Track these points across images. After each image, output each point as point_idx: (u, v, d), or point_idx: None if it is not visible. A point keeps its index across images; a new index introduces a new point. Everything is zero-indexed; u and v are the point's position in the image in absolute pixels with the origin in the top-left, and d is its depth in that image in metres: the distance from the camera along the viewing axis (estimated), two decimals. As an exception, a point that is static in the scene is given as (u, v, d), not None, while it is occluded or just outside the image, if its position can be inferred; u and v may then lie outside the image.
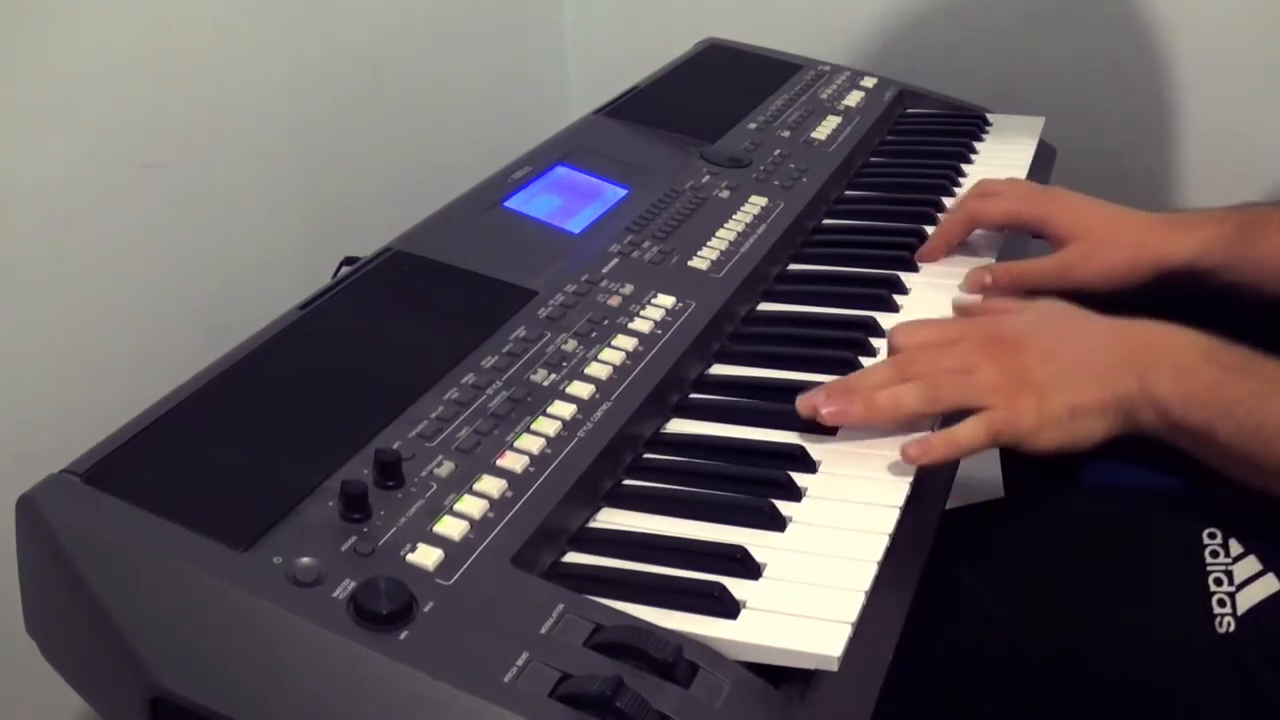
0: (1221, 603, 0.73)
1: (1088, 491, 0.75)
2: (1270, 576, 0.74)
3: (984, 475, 0.98)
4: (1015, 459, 1.11)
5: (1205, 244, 0.92)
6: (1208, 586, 0.74)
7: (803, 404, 0.76)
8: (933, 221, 1.05)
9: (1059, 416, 0.74)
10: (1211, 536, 0.76)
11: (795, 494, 0.72)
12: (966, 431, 0.75)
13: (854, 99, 1.24)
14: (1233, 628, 0.73)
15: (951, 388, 0.76)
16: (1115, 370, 0.74)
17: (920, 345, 0.79)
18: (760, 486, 0.72)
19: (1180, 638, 0.74)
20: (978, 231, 1.02)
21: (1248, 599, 0.73)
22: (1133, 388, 0.74)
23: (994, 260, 0.99)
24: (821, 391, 0.77)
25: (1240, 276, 0.92)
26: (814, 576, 0.65)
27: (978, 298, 0.91)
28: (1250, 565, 0.74)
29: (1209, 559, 0.75)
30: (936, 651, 0.79)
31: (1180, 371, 0.73)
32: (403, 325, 0.80)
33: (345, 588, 0.59)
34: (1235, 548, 0.75)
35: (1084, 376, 0.75)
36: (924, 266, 0.98)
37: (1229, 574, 0.74)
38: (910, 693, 0.77)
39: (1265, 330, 0.93)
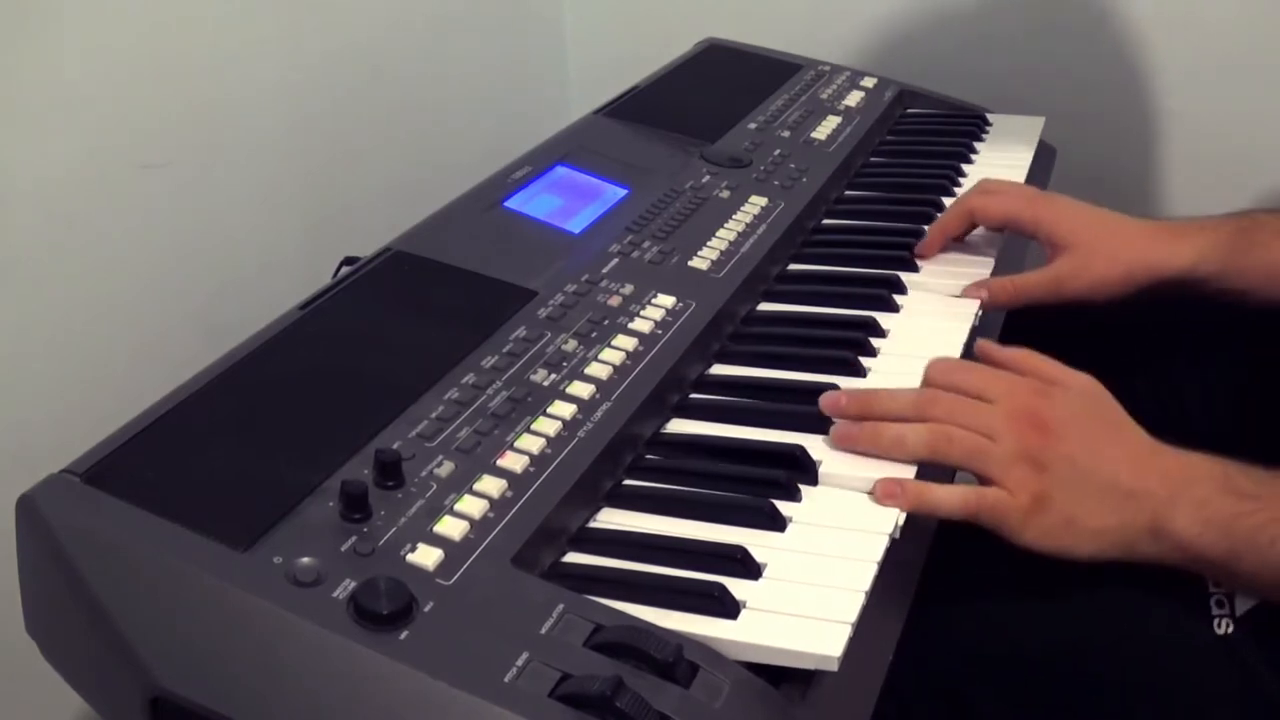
0: (1220, 604, 0.73)
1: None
2: None
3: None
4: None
5: (1201, 252, 0.92)
6: (1206, 588, 0.74)
7: (826, 404, 0.76)
8: (933, 222, 1.05)
9: (1053, 524, 0.71)
10: None
11: (795, 494, 0.72)
12: (946, 496, 0.71)
13: (854, 99, 1.24)
14: (1231, 629, 0.73)
15: (962, 446, 0.73)
16: (1130, 499, 0.71)
17: (952, 386, 0.76)
18: (760, 486, 0.72)
19: (1179, 639, 0.74)
20: (979, 231, 1.02)
21: (1246, 600, 0.73)
22: (1143, 521, 0.71)
23: (994, 259, 0.99)
24: (843, 397, 0.76)
25: (1236, 283, 0.92)
26: (814, 577, 0.65)
27: (1014, 351, 0.81)
28: None
29: None
30: (936, 651, 0.79)
31: (1198, 506, 0.71)
32: (403, 325, 0.80)
33: (345, 588, 0.59)
34: None
35: (1096, 495, 0.72)
36: (924, 266, 0.98)
37: None
38: (910, 693, 0.77)
39: (1262, 337, 0.93)
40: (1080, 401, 0.76)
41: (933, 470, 0.74)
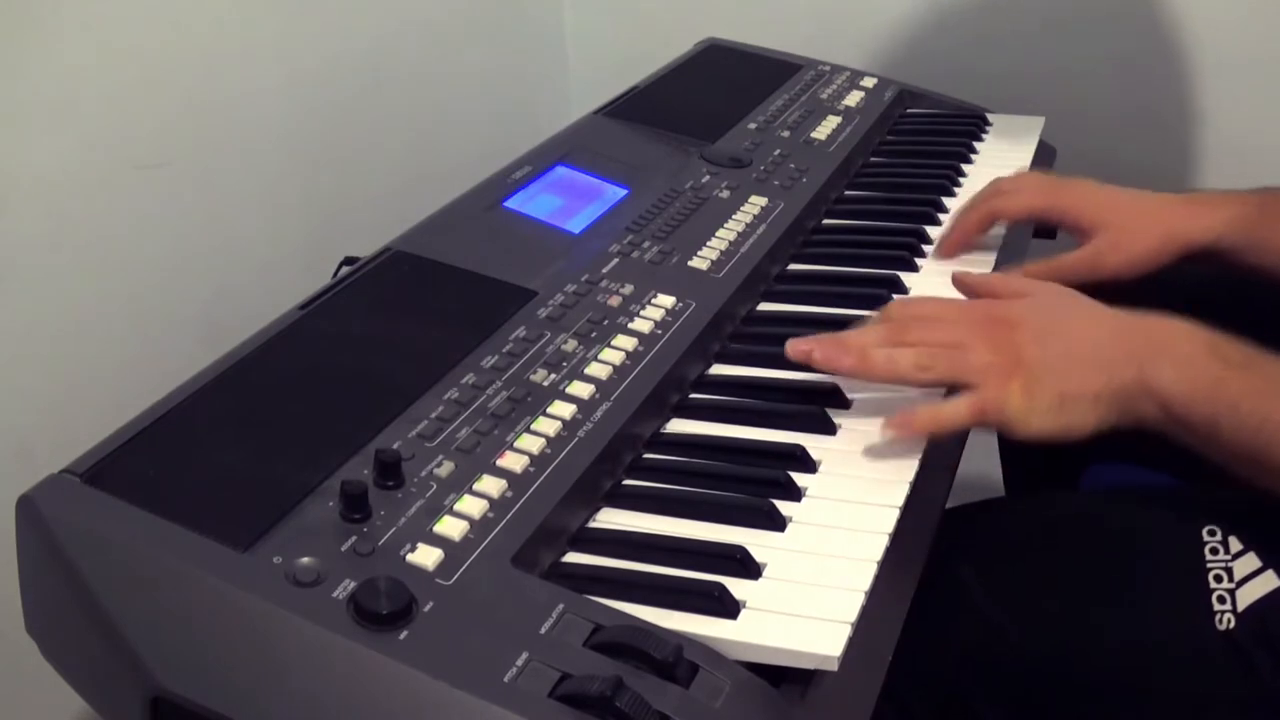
0: (1222, 600, 0.73)
1: (1086, 491, 0.75)
2: (1270, 573, 0.73)
3: (985, 476, 0.98)
4: (1016, 459, 1.12)
5: (1228, 223, 0.92)
6: (1208, 584, 0.74)
7: (793, 348, 0.77)
8: (933, 221, 1.05)
9: (1048, 403, 0.73)
10: (1211, 534, 0.76)
11: (795, 494, 0.72)
12: (951, 408, 0.74)
13: (854, 99, 1.24)
14: (1233, 625, 0.73)
15: (943, 361, 0.75)
16: (1113, 361, 0.74)
17: (915, 317, 0.79)
18: (760, 486, 0.72)
19: (1181, 635, 0.74)
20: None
21: (1248, 596, 0.73)
22: (1131, 379, 0.73)
23: (995, 256, 0.99)
24: (813, 339, 0.77)
25: (1261, 259, 0.92)
26: (814, 576, 0.65)
27: (981, 274, 0.88)
28: (1250, 562, 0.74)
29: (1209, 556, 0.75)
30: (936, 653, 0.79)
31: (1183, 365, 0.72)
32: (403, 325, 0.80)
33: (345, 588, 0.59)
34: (1235, 544, 0.75)
35: (1078, 364, 0.74)
36: (924, 265, 0.98)
37: (1229, 571, 0.74)
38: (910, 694, 0.77)
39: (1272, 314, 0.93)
40: (1037, 295, 0.80)
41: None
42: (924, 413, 0.74)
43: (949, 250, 0.99)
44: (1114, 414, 0.74)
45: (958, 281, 0.86)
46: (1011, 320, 0.77)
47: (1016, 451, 1.09)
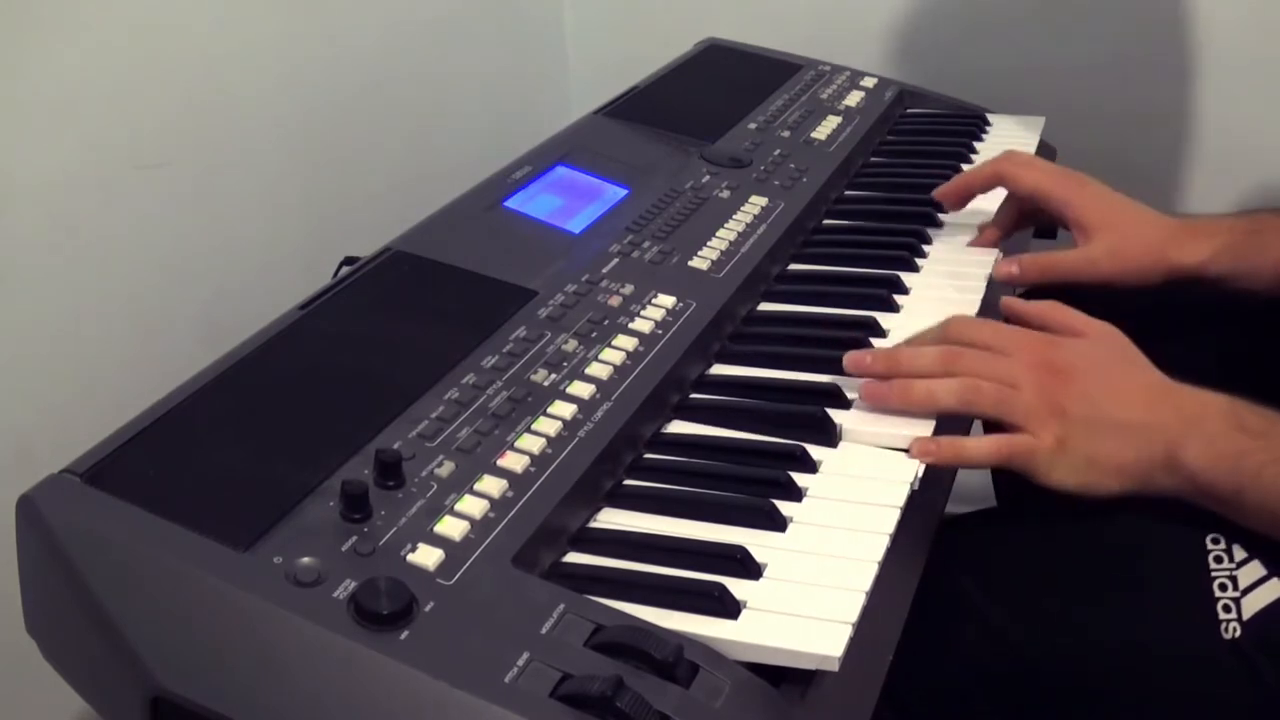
0: (1227, 608, 0.73)
1: (1088, 499, 0.75)
2: (1275, 581, 0.73)
3: (975, 483, 0.98)
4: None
5: (1214, 251, 0.93)
6: (1212, 593, 0.74)
7: (851, 362, 0.79)
8: (933, 222, 1.05)
9: (1077, 463, 0.75)
10: (1215, 542, 0.76)
11: (796, 494, 0.72)
12: (977, 446, 0.76)
13: (854, 99, 1.24)
14: (1239, 633, 0.72)
15: (989, 397, 0.76)
16: (1144, 433, 0.75)
17: (974, 344, 0.79)
18: (761, 486, 0.72)
19: (1186, 644, 0.74)
20: (978, 227, 1.02)
21: (1253, 604, 0.73)
22: (1158, 454, 0.74)
23: (994, 260, 0.99)
24: (868, 355, 0.79)
25: (1245, 283, 0.93)
26: (814, 577, 0.65)
27: (1039, 304, 0.86)
28: (1254, 570, 0.74)
29: (1213, 565, 0.75)
30: (937, 659, 0.79)
31: (1209, 440, 0.73)
32: (403, 325, 0.80)
33: (345, 588, 0.59)
34: (1239, 553, 0.75)
35: (1114, 432, 0.75)
36: (925, 266, 0.98)
37: (1233, 579, 0.74)
38: (911, 700, 0.77)
39: (1270, 333, 0.93)
40: (1095, 347, 0.80)
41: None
42: (947, 445, 0.75)
43: (950, 195, 1.00)
44: (1133, 485, 0.75)
45: (1009, 309, 0.86)
46: (1067, 370, 0.77)
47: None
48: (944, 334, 0.81)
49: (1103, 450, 0.75)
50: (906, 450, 0.75)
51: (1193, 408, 0.76)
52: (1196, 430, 0.74)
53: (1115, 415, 0.76)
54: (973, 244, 1.01)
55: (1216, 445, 0.73)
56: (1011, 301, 0.86)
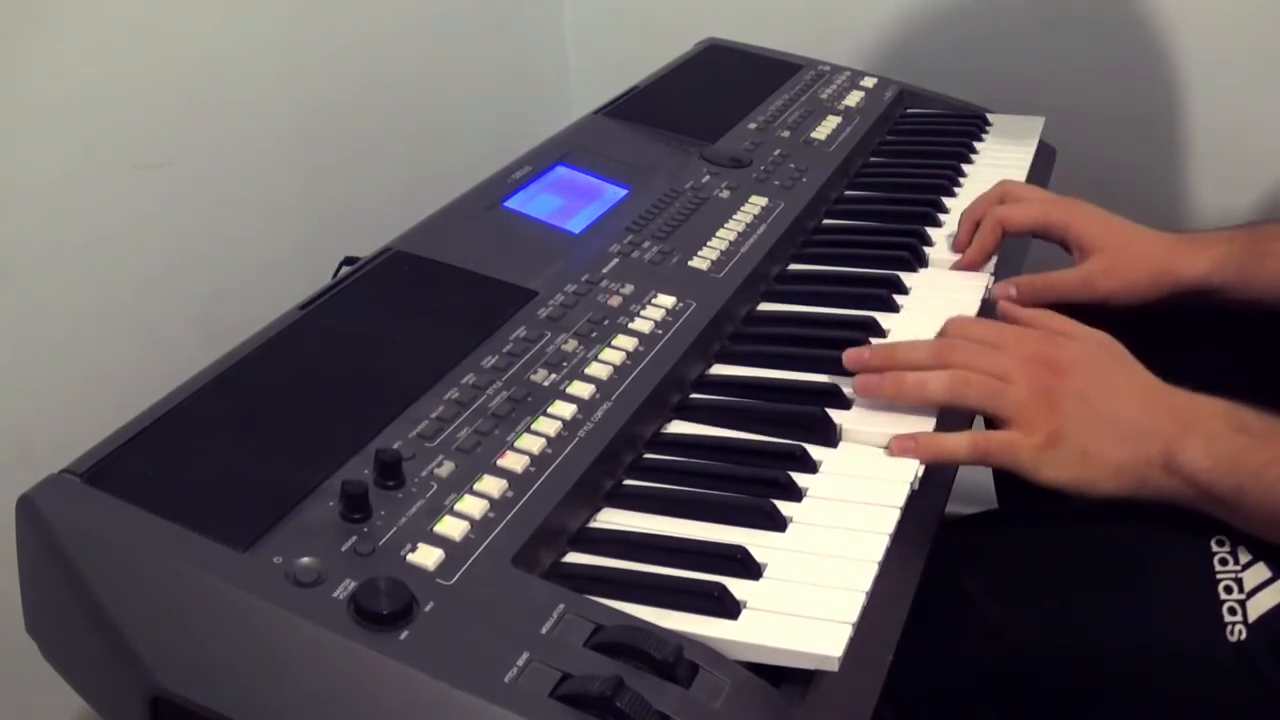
0: (1233, 611, 0.73)
1: (1092, 500, 0.75)
2: None
3: (976, 483, 0.98)
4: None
5: (1216, 263, 0.93)
6: (1218, 595, 0.74)
7: (850, 359, 0.80)
8: (933, 222, 1.05)
9: (1069, 456, 0.74)
10: (1220, 544, 0.76)
11: (796, 494, 0.72)
12: (955, 442, 0.75)
13: (854, 99, 1.24)
14: (1244, 635, 0.72)
15: (980, 389, 0.76)
16: (1141, 435, 0.74)
17: (967, 338, 0.80)
18: (761, 486, 0.72)
19: (1190, 646, 0.74)
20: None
21: (1259, 606, 0.73)
22: (1155, 453, 0.74)
23: (994, 260, 0.99)
24: (865, 350, 0.80)
25: (1248, 294, 0.93)
26: (814, 576, 0.65)
27: (1034, 310, 0.87)
28: (1260, 572, 0.74)
29: (1218, 567, 0.75)
30: (939, 661, 0.79)
31: (1208, 440, 0.73)
32: (403, 325, 0.80)
33: (345, 588, 0.59)
34: (1244, 555, 0.75)
35: (1110, 430, 0.75)
36: (924, 266, 0.98)
37: (1239, 581, 0.74)
38: (912, 702, 0.77)
39: (1272, 344, 0.93)
40: (1090, 348, 0.80)
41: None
42: (926, 441, 0.75)
43: (972, 265, 0.99)
44: (1130, 486, 0.75)
45: (1005, 313, 0.86)
46: (1062, 366, 0.77)
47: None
48: (942, 329, 0.82)
49: (1097, 447, 0.74)
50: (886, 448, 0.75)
51: (1190, 408, 0.75)
52: (1195, 430, 0.74)
53: (1111, 413, 0.75)
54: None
55: (1216, 444, 0.73)
56: (1008, 306, 0.87)
